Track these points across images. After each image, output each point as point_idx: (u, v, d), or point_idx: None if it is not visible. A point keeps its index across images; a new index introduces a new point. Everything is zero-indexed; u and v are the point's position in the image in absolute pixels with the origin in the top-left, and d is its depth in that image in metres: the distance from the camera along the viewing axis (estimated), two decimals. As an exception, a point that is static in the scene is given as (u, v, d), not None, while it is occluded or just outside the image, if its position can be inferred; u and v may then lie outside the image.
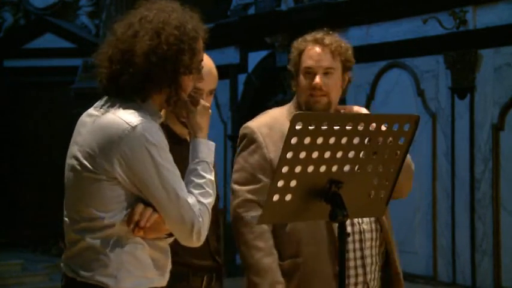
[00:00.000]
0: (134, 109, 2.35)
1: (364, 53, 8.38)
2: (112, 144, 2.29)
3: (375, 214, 2.90)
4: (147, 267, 2.39)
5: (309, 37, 3.16)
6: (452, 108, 7.52)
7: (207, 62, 2.77)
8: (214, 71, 2.88)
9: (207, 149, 2.46)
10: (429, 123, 7.70)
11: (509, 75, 7.07)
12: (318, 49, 3.10)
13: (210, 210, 2.41)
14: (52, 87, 12.71)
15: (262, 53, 9.79)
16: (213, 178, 2.45)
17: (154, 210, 2.34)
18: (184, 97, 2.45)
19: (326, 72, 3.08)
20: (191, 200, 2.35)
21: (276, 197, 2.39)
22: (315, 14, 8.62)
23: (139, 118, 2.32)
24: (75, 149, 2.39)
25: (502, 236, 7.07)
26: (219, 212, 2.96)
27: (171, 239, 2.45)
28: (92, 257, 2.35)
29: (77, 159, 2.36)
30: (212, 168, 2.47)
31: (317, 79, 3.06)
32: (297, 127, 2.30)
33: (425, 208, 7.74)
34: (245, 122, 3.24)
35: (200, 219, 2.35)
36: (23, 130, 12.96)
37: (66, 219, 2.43)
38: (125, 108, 2.35)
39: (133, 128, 2.29)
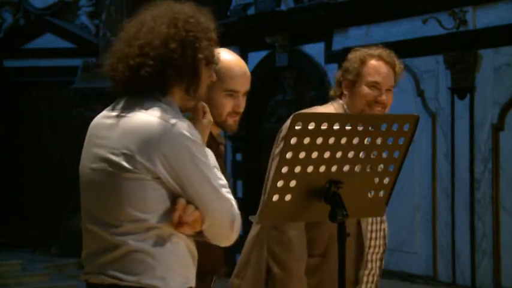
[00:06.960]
0: (163, 107, 2.31)
1: (364, 53, 8.40)
2: (152, 143, 2.24)
3: (374, 214, 2.90)
4: (188, 266, 2.38)
5: (373, 51, 3.30)
6: (452, 108, 7.52)
7: (242, 64, 2.87)
8: (248, 72, 2.93)
9: (212, 156, 2.45)
10: (429, 123, 7.70)
11: (509, 75, 7.07)
12: (385, 66, 3.30)
13: None
14: (52, 87, 12.71)
15: (262, 53, 9.79)
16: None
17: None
18: (203, 88, 2.43)
19: (388, 89, 3.32)
20: (230, 195, 2.34)
21: (275, 197, 2.39)
22: (315, 14, 8.62)
23: (175, 115, 2.29)
24: (103, 152, 2.32)
25: (502, 236, 7.07)
26: None
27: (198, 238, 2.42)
28: (137, 260, 2.28)
29: (110, 161, 2.29)
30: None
31: (384, 96, 3.28)
32: (297, 127, 2.30)
33: (425, 208, 7.74)
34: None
35: (239, 215, 2.35)
36: (23, 130, 12.97)
37: (93, 226, 2.33)
38: (153, 106, 2.30)
39: (173, 125, 2.26)
